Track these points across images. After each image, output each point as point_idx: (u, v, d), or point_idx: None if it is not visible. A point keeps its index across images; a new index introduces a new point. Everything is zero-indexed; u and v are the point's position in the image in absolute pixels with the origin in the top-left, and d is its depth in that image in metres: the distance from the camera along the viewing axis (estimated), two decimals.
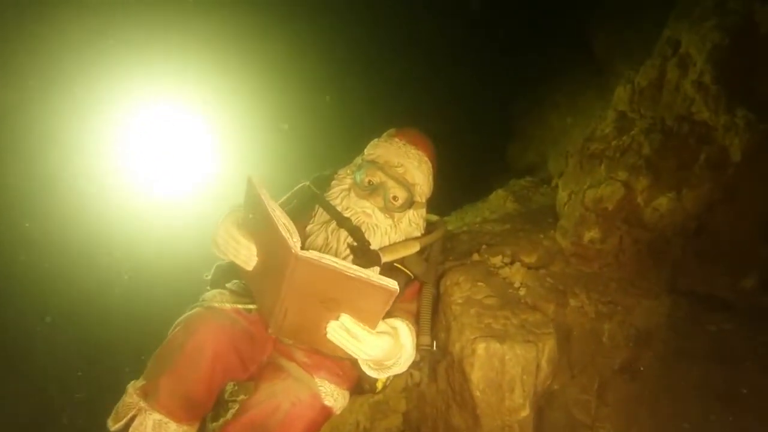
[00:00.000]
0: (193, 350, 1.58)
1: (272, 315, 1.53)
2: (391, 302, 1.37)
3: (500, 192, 3.01)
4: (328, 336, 1.44)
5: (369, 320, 1.45)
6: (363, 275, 1.28)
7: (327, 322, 1.44)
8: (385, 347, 1.52)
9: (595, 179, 2.07)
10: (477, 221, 2.76)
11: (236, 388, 2.32)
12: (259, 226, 1.48)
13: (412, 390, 2.17)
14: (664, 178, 1.83)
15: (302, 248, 1.31)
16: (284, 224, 1.35)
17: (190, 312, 1.72)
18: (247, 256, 1.55)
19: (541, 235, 2.30)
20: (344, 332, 1.43)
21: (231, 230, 1.59)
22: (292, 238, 1.31)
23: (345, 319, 1.42)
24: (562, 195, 2.31)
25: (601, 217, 1.97)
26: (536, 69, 4.25)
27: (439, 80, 5.66)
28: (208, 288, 1.98)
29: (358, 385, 1.89)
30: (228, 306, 1.75)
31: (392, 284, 1.30)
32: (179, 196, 4.32)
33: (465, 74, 5.60)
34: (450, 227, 2.80)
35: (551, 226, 2.36)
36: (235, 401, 2.32)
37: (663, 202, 1.84)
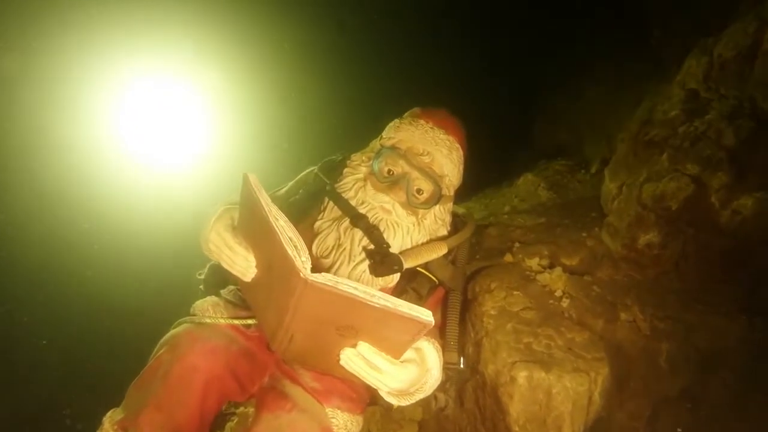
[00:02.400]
0: (180, 377, 1.37)
1: (275, 337, 1.32)
2: (423, 334, 1.15)
3: (530, 177, 2.73)
4: (342, 363, 1.23)
5: (393, 350, 1.24)
6: (390, 305, 1.06)
7: (341, 348, 1.23)
8: (409, 378, 1.31)
9: (655, 171, 1.79)
10: (505, 211, 2.50)
11: None
12: (258, 233, 1.24)
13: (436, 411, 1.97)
14: (752, 174, 1.54)
15: (312, 266, 1.08)
16: (290, 238, 1.10)
17: (178, 329, 1.50)
18: (244, 267, 1.32)
19: (584, 233, 2.04)
20: (362, 362, 1.21)
21: (225, 236, 1.35)
22: (300, 257, 1.07)
23: (364, 348, 1.21)
24: (610, 187, 2.03)
25: (662, 217, 1.70)
26: (569, 30, 3.78)
27: (454, 42, 5.20)
28: (202, 288, 1.77)
29: (373, 400, 1.69)
30: (223, 322, 1.53)
31: (426, 316, 1.08)
32: (175, 180, 4.07)
33: (484, 35, 5.13)
34: (475, 216, 2.54)
35: (595, 222, 2.09)
36: (234, 414, 2.14)
37: (747, 203, 1.55)
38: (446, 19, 5.17)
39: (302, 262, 1.06)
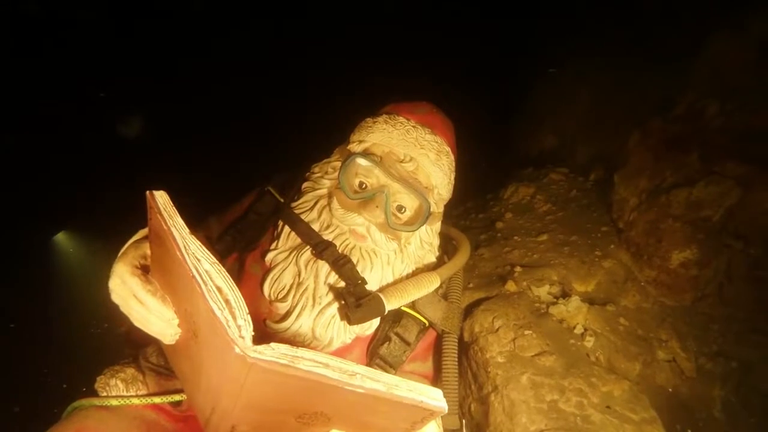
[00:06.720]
0: None
1: (209, 424, 0.96)
2: (429, 421, 0.83)
3: (521, 187, 2.47)
4: None
5: None
6: (381, 389, 0.74)
7: None
8: None
9: (683, 174, 1.54)
10: (500, 227, 2.21)
11: None
12: (174, 278, 0.88)
13: None
14: None
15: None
16: (217, 289, 0.76)
17: (68, 421, 1.11)
18: (161, 328, 0.95)
19: (598, 252, 1.77)
20: None
21: (131, 283, 0.98)
22: (235, 320, 0.73)
23: None
24: (625, 196, 1.78)
25: (700, 230, 1.45)
26: (550, 10, 3.47)
27: (419, 27, 4.91)
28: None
29: None
30: (137, 402, 1.15)
31: (435, 399, 0.76)
32: None
33: (452, 20, 4.87)
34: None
35: (609, 238, 1.83)
36: None
37: None
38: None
39: (237, 328, 0.71)
